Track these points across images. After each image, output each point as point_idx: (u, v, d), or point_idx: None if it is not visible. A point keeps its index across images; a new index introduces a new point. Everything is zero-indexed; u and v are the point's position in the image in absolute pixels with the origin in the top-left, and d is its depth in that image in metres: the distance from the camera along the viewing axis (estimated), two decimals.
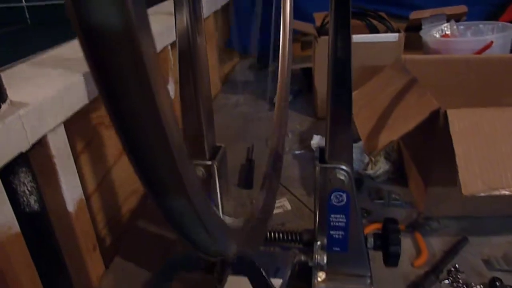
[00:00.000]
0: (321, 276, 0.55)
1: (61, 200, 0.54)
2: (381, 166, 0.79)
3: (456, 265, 0.60)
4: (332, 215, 0.52)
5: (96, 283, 0.61)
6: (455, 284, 0.57)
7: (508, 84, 0.81)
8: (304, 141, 0.96)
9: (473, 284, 0.57)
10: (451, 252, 0.62)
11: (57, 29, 1.57)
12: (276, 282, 0.46)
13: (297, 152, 0.93)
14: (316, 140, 0.88)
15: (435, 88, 0.73)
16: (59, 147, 0.52)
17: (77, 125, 0.66)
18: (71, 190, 0.55)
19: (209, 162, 0.52)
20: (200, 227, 0.23)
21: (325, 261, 0.52)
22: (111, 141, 0.80)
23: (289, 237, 0.56)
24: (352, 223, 0.52)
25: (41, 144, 0.50)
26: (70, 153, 0.55)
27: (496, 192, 0.56)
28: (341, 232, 0.53)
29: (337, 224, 0.52)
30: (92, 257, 0.60)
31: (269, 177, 0.54)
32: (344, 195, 0.50)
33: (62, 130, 0.53)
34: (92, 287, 0.60)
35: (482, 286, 0.56)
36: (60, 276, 0.53)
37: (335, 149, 0.49)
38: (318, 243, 0.53)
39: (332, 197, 0.51)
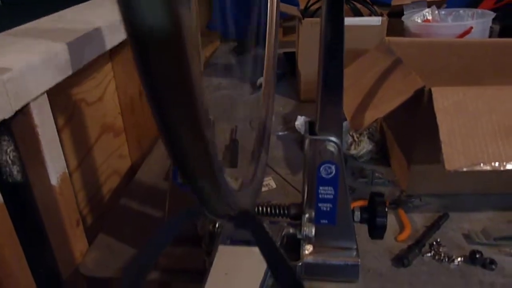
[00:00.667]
0: (308, 248, 0.55)
1: (44, 173, 0.52)
2: (364, 146, 0.80)
3: (438, 239, 0.61)
4: (321, 187, 0.52)
5: (79, 259, 0.60)
6: (437, 257, 0.59)
7: (487, 67, 0.83)
8: (287, 122, 0.96)
9: (454, 256, 0.58)
10: (433, 227, 0.64)
11: (31, 9, 1.52)
12: None
13: (280, 133, 0.93)
14: (301, 121, 0.88)
15: (418, 70, 0.74)
16: (43, 117, 0.51)
17: (58, 99, 0.64)
18: (54, 163, 0.53)
19: None
20: (214, 186, 0.24)
21: (313, 233, 0.52)
22: (93, 119, 0.78)
23: (277, 211, 0.56)
24: (340, 196, 0.53)
25: (24, 113, 0.49)
26: (54, 125, 0.54)
27: (478, 167, 0.58)
28: (329, 205, 0.53)
29: (325, 196, 0.53)
30: (75, 233, 0.59)
31: (258, 151, 0.54)
32: (333, 167, 0.51)
33: (45, 100, 0.51)
34: (75, 263, 0.59)
35: (462, 258, 0.58)
36: (43, 251, 0.52)
37: (325, 122, 0.49)
38: (307, 215, 0.54)
39: (321, 169, 0.51)
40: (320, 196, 0.53)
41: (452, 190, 0.71)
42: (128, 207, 0.72)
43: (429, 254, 0.59)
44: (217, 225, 0.52)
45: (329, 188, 0.52)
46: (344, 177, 0.52)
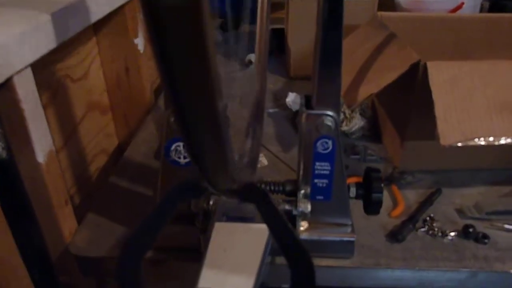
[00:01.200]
0: (303, 225, 0.55)
1: (30, 150, 0.50)
2: (356, 123, 0.79)
3: (431, 214, 0.62)
4: (317, 163, 0.51)
5: (68, 239, 0.58)
6: (430, 232, 0.59)
7: (479, 42, 0.83)
8: (278, 100, 0.95)
9: (447, 231, 0.59)
10: (426, 202, 0.64)
11: None
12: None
13: (271, 110, 0.92)
14: (292, 98, 0.87)
15: (410, 44, 0.73)
16: (27, 92, 0.48)
17: (42, 75, 0.61)
18: (41, 140, 0.51)
19: None
20: (222, 160, 0.23)
21: (309, 209, 0.52)
22: (78, 96, 0.76)
23: (272, 188, 0.55)
24: (336, 171, 0.52)
25: (7, 87, 0.46)
26: (39, 100, 0.51)
27: (472, 142, 0.58)
28: (325, 181, 0.52)
29: (321, 172, 0.52)
30: (64, 212, 0.57)
31: (253, 125, 0.53)
32: (330, 142, 0.50)
33: (29, 74, 0.48)
34: (64, 242, 0.58)
35: (456, 233, 0.58)
36: (31, 231, 0.50)
37: (323, 95, 0.48)
38: (302, 191, 0.53)
39: (318, 144, 0.50)
40: (316, 172, 0.52)
41: (444, 166, 0.71)
42: (117, 185, 0.70)
43: (422, 229, 0.59)
44: (211, 202, 0.51)
45: (326, 163, 0.51)
46: (341, 152, 0.51)
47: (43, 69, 0.63)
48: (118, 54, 0.86)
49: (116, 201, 0.67)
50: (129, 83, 0.89)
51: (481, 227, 0.59)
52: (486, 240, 0.57)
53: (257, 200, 0.28)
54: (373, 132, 0.82)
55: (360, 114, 0.80)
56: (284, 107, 0.90)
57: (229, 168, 0.25)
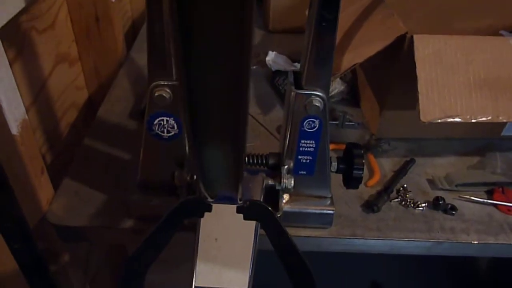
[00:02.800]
0: (285, 197, 0.56)
1: (3, 122, 0.47)
2: (336, 87, 0.79)
3: (405, 185, 0.64)
4: (303, 141, 0.51)
5: (46, 207, 0.57)
6: (403, 203, 0.62)
7: (460, 10, 0.82)
8: (256, 56, 0.92)
9: (419, 202, 0.62)
10: (400, 172, 0.66)
11: None
12: None
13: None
14: (272, 57, 0.85)
15: (394, 5, 0.72)
16: None
17: (5, 29, 0.56)
18: (13, 110, 0.48)
19: (176, 83, 0.47)
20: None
21: (292, 185, 0.53)
22: (45, 49, 0.70)
23: (255, 161, 0.55)
24: (321, 149, 0.52)
25: None
26: (9, 67, 0.47)
27: (451, 119, 0.59)
28: (309, 157, 0.53)
29: (306, 149, 0.52)
30: (40, 182, 0.55)
31: None
32: (317, 122, 0.50)
33: None
34: (42, 211, 0.57)
35: (426, 204, 0.62)
36: (8, 204, 0.49)
37: (313, 75, 0.47)
38: (286, 167, 0.53)
39: (304, 123, 0.50)
40: (301, 149, 0.52)
41: (419, 135, 0.73)
42: (93, 148, 0.68)
43: (396, 200, 0.62)
44: (194, 176, 0.51)
45: (311, 141, 0.51)
46: (327, 131, 0.51)
47: (7, 22, 0.58)
48: (86, 0, 0.79)
49: (92, 165, 0.65)
50: (100, 33, 0.84)
51: (450, 198, 0.62)
52: (453, 212, 0.60)
53: (261, 218, 0.27)
54: (351, 95, 0.82)
55: (340, 78, 0.79)
56: (263, 64, 0.88)
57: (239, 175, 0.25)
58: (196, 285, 0.32)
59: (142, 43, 0.97)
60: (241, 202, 0.29)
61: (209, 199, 0.31)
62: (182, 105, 0.24)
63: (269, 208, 0.32)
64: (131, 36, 1.06)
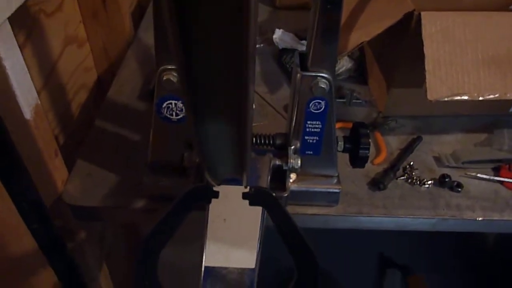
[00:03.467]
0: (292, 177, 0.57)
1: (16, 108, 0.48)
2: (344, 64, 0.79)
3: (411, 162, 0.65)
4: (309, 122, 0.52)
5: (61, 188, 0.59)
6: (409, 180, 0.63)
7: None
8: (263, 34, 0.92)
9: (425, 179, 0.62)
10: (407, 150, 0.67)
11: None
12: None
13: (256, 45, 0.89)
14: (279, 34, 0.84)
15: None
16: (8, 48, 0.45)
17: (14, 15, 0.57)
18: (26, 96, 0.49)
19: None
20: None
21: (299, 164, 0.54)
22: (53, 31, 0.71)
23: (262, 141, 0.56)
24: (327, 129, 0.53)
25: None
26: (20, 54, 0.48)
27: (458, 97, 0.59)
28: (315, 137, 0.54)
29: (312, 130, 0.53)
30: (54, 164, 0.57)
31: None
32: (323, 103, 0.50)
33: (8, 29, 0.45)
34: (57, 191, 0.59)
35: (432, 181, 0.62)
36: (25, 187, 0.50)
37: (319, 56, 0.47)
38: (292, 147, 0.54)
39: (310, 104, 0.50)
40: (308, 129, 0.53)
41: (426, 112, 0.73)
42: (103, 129, 0.70)
43: (402, 178, 0.63)
44: None
45: (317, 122, 0.52)
46: (333, 111, 0.51)
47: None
48: None
49: (104, 146, 0.67)
50: (107, 14, 0.84)
51: (456, 175, 0.63)
52: (459, 189, 0.61)
53: (266, 204, 0.29)
54: (359, 72, 0.82)
55: (348, 55, 0.79)
56: (270, 42, 0.88)
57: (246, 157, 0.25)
58: (206, 265, 0.34)
59: (149, 22, 0.97)
60: (247, 187, 0.30)
61: (215, 186, 0.32)
62: (181, 84, 0.23)
63: (274, 195, 0.33)
64: (137, 15, 1.05)
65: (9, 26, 0.45)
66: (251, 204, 0.34)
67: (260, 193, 0.30)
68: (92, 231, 0.72)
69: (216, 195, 0.28)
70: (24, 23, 0.62)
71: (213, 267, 0.34)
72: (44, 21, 0.68)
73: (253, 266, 0.34)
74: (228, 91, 0.24)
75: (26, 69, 0.49)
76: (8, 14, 0.44)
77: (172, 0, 0.16)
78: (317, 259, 0.30)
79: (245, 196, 0.32)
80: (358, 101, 0.75)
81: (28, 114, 0.50)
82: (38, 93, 0.64)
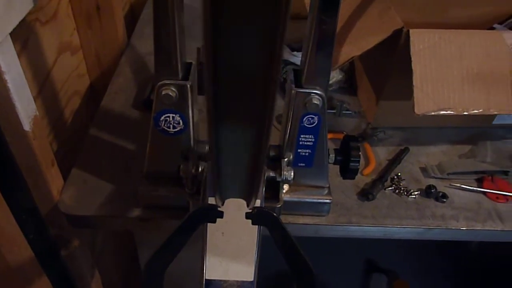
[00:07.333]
0: (285, 188, 0.59)
1: (16, 120, 0.49)
2: (334, 76, 0.81)
3: (399, 173, 0.67)
4: (302, 136, 0.54)
5: (57, 197, 0.60)
6: (397, 191, 0.65)
7: None
8: None
9: (412, 190, 0.65)
10: (395, 161, 0.69)
11: None
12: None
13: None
14: None
15: None
16: (9, 62, 0.46)
17: None
18: (25, 108, 0.50)
19: (183, 82, 0.49)
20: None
21: (292, 176, 0.55)
22: (48, 40, 0.72)
23: None
24: (319, 142, 0.55)
25: None
26: (20, 67, 0.49)
27: (444, 112, 0.62)
28: (308, 150, 0.55)
29: (305, 143, 0.55)
30: (51, 173, 0.58)
31: None
32: (316, 118, 0.52)
33: (10, 43, 0.46)
34: (54, 200, 0.59)
35: (419, 192, 0.65)
36: (23, 196, 0.51)
37: (313, 73, 0.49)
38: (286, 159, 0.56)
39: (304, 119, 0.52)
40: (301, 143, 0.55)
41: (414, 124, 0.76)
42: (98, 138, 0.70)
43: (390, 188, 0.65)
44: (200, 169, 0.54)
45: (310, 136, 0.54)
46: (325, 125, 0.53)
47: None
48: None
49: (99, 155, 0.67)
50: (100, 22, 0.85)
51: (441, 186, 0.66)
52: (444, 200, 0.64)
53: (268, 225, 0.30)
54: (349, 84, 0.84)
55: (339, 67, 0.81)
56: None
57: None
58: (207, 278, 0.35)
59: (142, 30, 0.98)
60: (249, 209, 0.31)
61: (220, 206, 0.33)
62: (205, 82, 0.22)
63: (275, 215, 0.34)
64: (129, 21, 1.06)
65: (10, 40, 0.46)
66: (253, 223, 0.35)
67: (262, 214, 0.32)
68: (83, 236, 0.72)
69: (221, 215, 0.30)
70: (21, 33, 0.63)
71: (214, 280, 0.35)
72: (40, 30, 0.69)
73: (251, 279, 0.36)
74: (252, 93, 0.23)
75: (26, 81, 0.50)
76: (10, 29, 0.45)
77: None
78: (315, 277, 0.31)
79: (248, 216, 0.33)
80: (347, 112, 0.77)
81: (27, 125, 0.51)
82: (33, 101, 0.65)
